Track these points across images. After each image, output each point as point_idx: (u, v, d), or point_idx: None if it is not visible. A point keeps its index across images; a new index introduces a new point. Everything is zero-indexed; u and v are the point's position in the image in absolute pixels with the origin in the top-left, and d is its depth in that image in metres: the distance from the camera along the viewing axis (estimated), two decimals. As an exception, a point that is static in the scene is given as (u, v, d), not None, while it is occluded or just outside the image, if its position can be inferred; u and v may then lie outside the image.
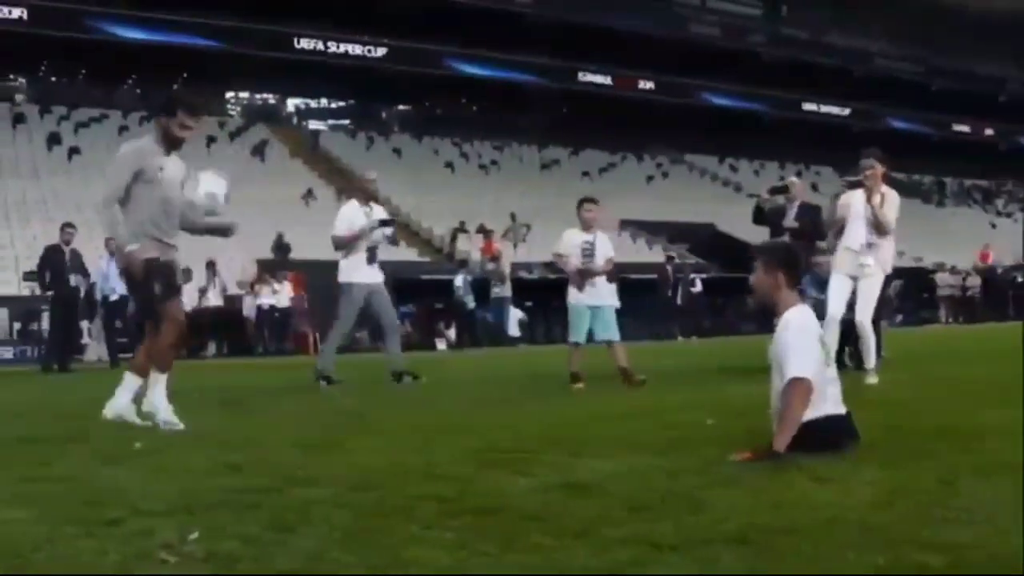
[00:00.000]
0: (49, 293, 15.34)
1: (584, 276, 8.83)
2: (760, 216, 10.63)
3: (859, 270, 8.02)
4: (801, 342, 3.99)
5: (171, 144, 5.92)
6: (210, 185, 6.23)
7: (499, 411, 6.63)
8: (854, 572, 2.26)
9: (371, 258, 9.75)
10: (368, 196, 10.05)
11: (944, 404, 5.93)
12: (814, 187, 32.90)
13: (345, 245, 9.69)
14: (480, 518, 2.93)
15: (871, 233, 8.03)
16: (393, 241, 10.18)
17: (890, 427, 4.73)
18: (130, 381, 5.90)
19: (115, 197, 5.79)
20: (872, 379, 7.82)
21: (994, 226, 46.84)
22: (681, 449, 4.22)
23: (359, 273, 9.71)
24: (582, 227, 9.01)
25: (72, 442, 5.15)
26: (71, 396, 9.70)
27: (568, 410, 6.58)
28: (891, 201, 8.07)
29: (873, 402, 6.01)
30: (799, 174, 43.11)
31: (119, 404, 5.85)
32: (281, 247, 26.20)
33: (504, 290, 22.23)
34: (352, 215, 9.78)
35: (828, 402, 4.03)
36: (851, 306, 8.11)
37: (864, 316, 7.98)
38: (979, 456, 3.74)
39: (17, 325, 22.29)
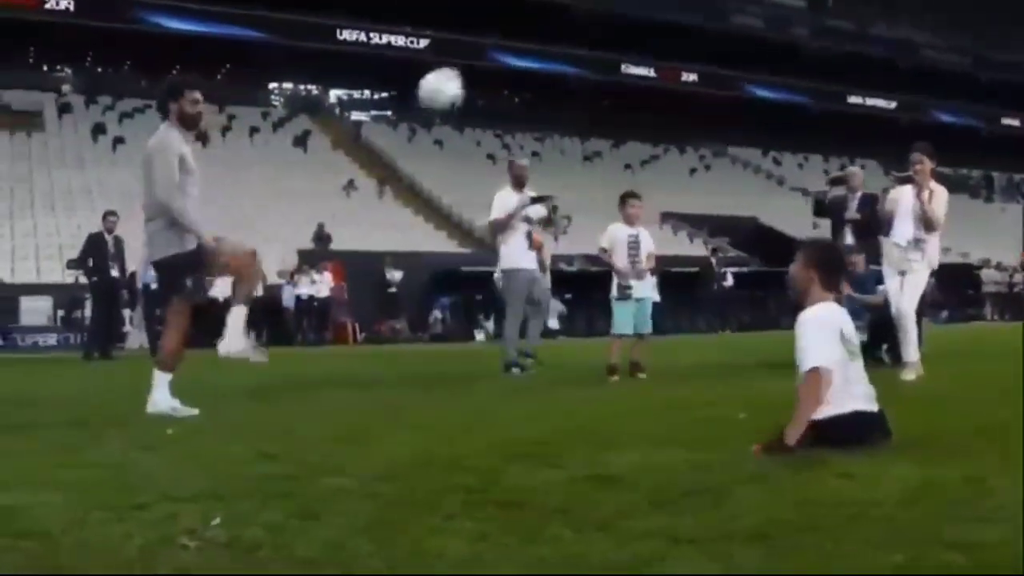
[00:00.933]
0: (93, 280, 15.54)
1: (629, 275, 8.89)
2: (821, 208, 10.56)
3: (906, 264, 7.95)
4: (815, 335, 3.99)
5: (191, 124, 6.08)
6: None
7: (531, 403, 6.64)
8: (873, 570, 2.24)
9: (530, 244, 9.74)
10: (520, 182, 9.87)
11: (980, 402, 5.85)
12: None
13: (502, 227, 9.69)
14: (504, 510, 2.93)
15: (919, 228, 7.95)
16: (550, 223, 10.10)
17: (922, 423, 4.67)
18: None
19: (176, 183, 5.85)
20: (910, 375, 7.74)
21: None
22: (711, 443, 4.21)
23: (524, 259, 9.71)
24: (625, 222, 9.03)
25: (109, 428, 5.23)
26: (111, 383, 9.84)
27: (601, 403, 6.58)
28: (940, 196, 8.00)
29: (907, 398, 5.94)
30: (842, 167, 42.72)
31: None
32: (321, 237, 26.38)
33: (544, 281, 22.19)
34: (506, 199, 9.73)
35: (856, 399, 4.00)
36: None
37: (907, 307, 7.91)
38: (1011, 455, 3.68)
39: (61, 312, 22.62)
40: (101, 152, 32.38)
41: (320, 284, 22.25)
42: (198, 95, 6.04)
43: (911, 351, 7.95)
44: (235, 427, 5.14)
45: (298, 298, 22.19)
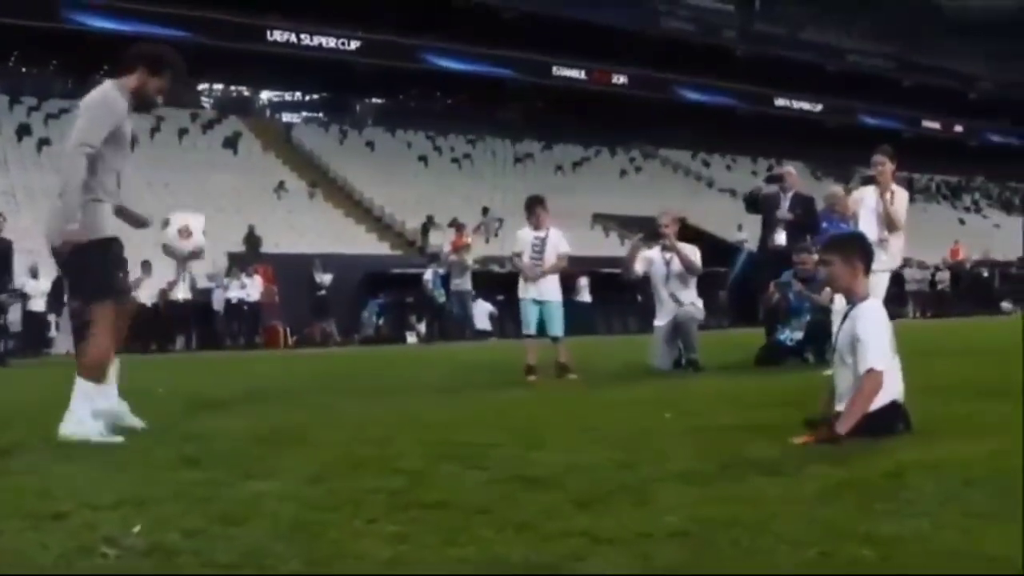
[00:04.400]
0: None
1: (530, 276, 9.19)
2: (754, 204, 10.66)
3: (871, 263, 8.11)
4: (880, 334, 4.17)
5: (143, 104, 5.11)
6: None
7: (459, 404, 6.67)
8: (787, 565, 2.29)
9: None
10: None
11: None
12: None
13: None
14: (427, 512, 2.94)
15: (882, 229, 8.12)
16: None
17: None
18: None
19: (91, 154, 4.83)
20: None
21: (962, 222, 47.24)
22: (636, 443, 4.26)
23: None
24: (531, 226, 9.31)
25: (33, 436, 5.11)
26: (35, 390, 9.64)
27: (530, 404, 6.61)
28: (900, 198, 8.23)
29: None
30: (770, 168, 43.37)
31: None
32: (252, 240, 26.08)
33: (464, 283, 22.16)
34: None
35: (894, 390, 4.20)
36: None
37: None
38: (928, 451, 3.77)
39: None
40: (25, 154, 31.66)
41: (250, 287, 22.01)
42: (168, 81, 5.12)
43: None
44: (160, 432, 5.06)
45: (228, 301, 21.92)
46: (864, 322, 4.19)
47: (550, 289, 9.29)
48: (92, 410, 4.85)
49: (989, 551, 2.34)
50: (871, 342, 4.13)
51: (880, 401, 4.10)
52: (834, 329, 4.55)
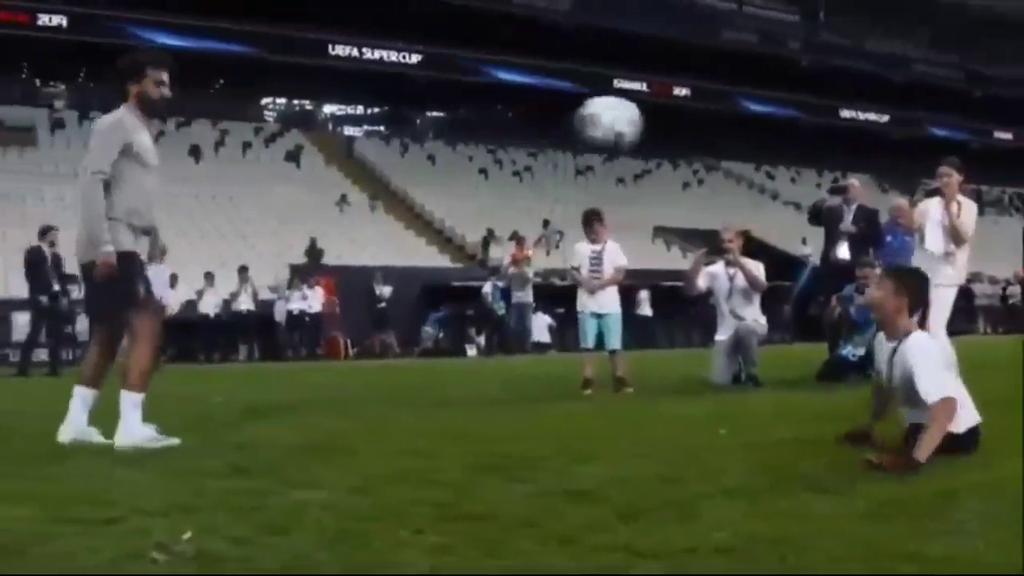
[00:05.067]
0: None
1: (589, 289, 9.18)
2: (817, 217, 10.52)
3: (936, 277, 7.95)
4: (936, 365, 4.12)
5: (152, 109, 5.30)
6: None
7: (511, 417, 6.66)
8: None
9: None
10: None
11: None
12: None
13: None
14: (471, 524, 2.95)
15: (948, 242, 7.97)
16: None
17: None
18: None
19: (104, 174, 4.98)
20: None
21: (1034, 235, 46.21)
22: (687, 458, 4.22)
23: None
24: (589, 239, 9.32)
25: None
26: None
27: (582, 417, 6.59)
28: (968, 210, 8.05)
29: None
30: (835, 180, 42.84)
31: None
32: (313, 252, 26.37)
33: (525, 295, 22.15)
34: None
35: (968, 415, 4.14)
36: None
37: (936, 325, 7.87)
38: (986, 471, 3.69)
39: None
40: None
41: (312, 299, 22.23)
42: (164, 75, 5.24)
43: None
44: (213, 441, 5.12)
45: (289, 313, 22.17)
46: (916, 355, 4.12)
47: (609, 302, 9.27)
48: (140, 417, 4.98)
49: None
50: (930, 372, 4.06)
51: (959, 427, 4.04)
52: (878, 358, 4.46)
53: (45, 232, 15.25)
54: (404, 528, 2.88)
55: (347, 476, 3.88)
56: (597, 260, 9.21)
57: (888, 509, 3.02)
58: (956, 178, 8.08)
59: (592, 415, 6.75)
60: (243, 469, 4.08)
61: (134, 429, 4.92)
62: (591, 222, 9.33)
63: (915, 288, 4.33)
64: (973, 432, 4.14)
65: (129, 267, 5.06)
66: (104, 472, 4.12)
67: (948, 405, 3.98)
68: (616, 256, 9.30)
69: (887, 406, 4.54)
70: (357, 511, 3.17)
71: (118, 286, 5.04)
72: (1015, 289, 31.09)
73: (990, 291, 30.28)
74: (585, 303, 9.24)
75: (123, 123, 5.11)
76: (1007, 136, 53.51)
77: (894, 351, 4.24)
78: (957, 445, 4.00)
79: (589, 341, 9.20)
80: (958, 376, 4.22)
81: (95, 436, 5.15)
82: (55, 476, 4.04)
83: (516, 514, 3.05)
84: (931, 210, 8.11)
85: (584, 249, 9.33)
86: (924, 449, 3.84)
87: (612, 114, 7.04)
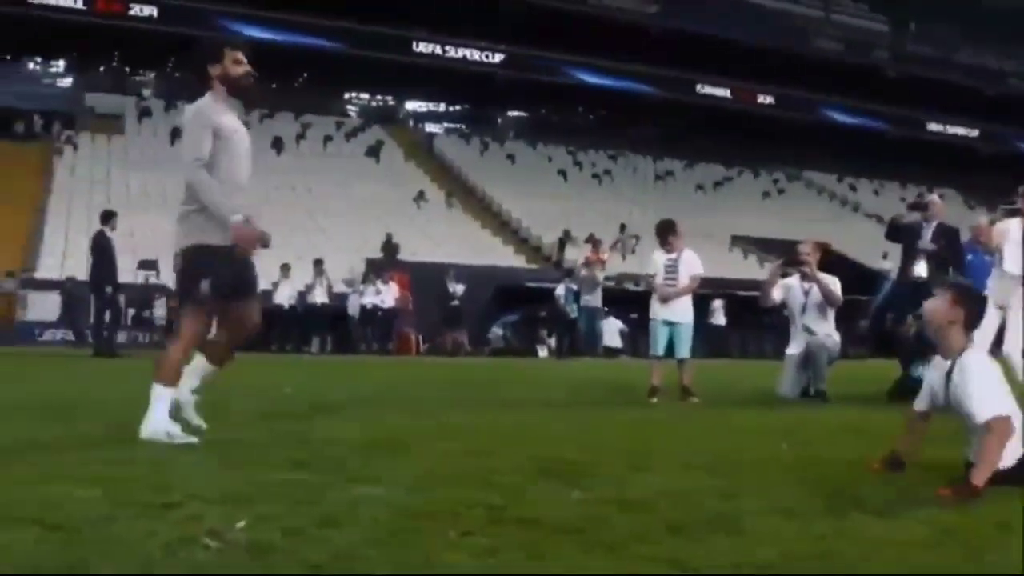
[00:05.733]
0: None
1: (662, 294, 9.18)
2: (895, 233, 10.34)
3: (1012, 299, 7.79)
4: (992, 382, 4.01)
5: (236, 90, 5.22)
6: None
7: (571, 421, 6.68)
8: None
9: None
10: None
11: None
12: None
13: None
14: (520, 528, 2.97)
15: None
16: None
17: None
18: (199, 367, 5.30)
19: (203, 160, 5.00)
20: None
21: None
22: (744, 472, 4.19)
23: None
24: (664, 250, 9.32)
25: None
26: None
27: (643, 425, 6.56)
28: None
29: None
30: (920, 195, 41.93)
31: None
32: (390, 247, 26.63)
33: (594, 299, 22.08)
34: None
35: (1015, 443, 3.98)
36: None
37: (1014, 348, 7.71)
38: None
39: (132, 311, 23.15)
40: (178, 156, 33.10)
41: (385, 294, 22.45)
42: (240, 54, 5.20)
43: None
44: (278, 433, 5.22)
45: (363, 307, 22.42)
46: (972, 374, 4.01)
47: (682, 311, 9.25)
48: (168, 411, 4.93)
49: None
50: (986, 389, 3.95)
51: (1007, 460, 3.88)
52: (931, 379, 4.34)
53: (108, 217, 15.55)
54: (454, 529, 2.91)
55: (405, 474, 3.93)
56: (672, 268, 9.20)
57: (945, 537, 2.97)
58: None
59: (654, 424, 6.72)
60: (303, 462, 4.15)
61: (158, 421, 4.84)
62: (664, 235, 9.33)
63: (973, 305, 4.23)
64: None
65: (200, 261, 5.01)
66: (168, 459, 4.23)
67: (1003, 425, 3.85)
68: (692, 265, 9.27)
69: (920, 435, 4.42)
70: (410, 509, 3.21)
71: (185, 277, 5.05)
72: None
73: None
74: (658, 311, 9.22)
75: (208, 108, 5.09)
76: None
77: (949, 372, 4.13)
78: (1007, 480, 3.81)
79: (659, 349, 9.19)
80: (1015, 401, 4.08)
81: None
82: (120, 460, 4.15)
83: (565, 520, 3.06)
84: (1011, 230, 7.94)
85: (660, 257, 9.32)
86: (980, 474, 3.74)
87: None
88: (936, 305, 4.20)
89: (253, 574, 2.43)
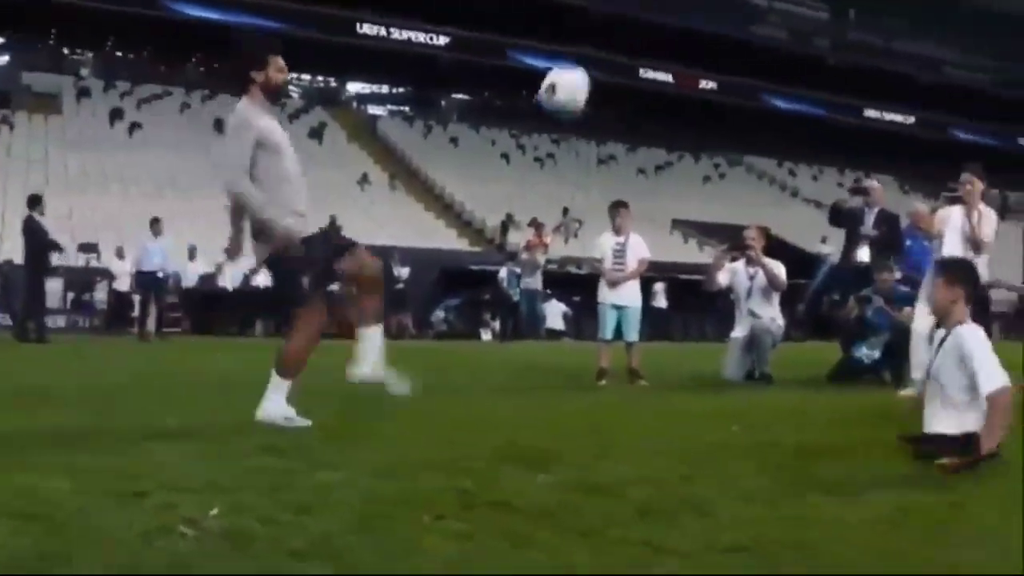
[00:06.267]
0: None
1: (610, 279, 9.25)
2: (838, 218, 10.51)
3: None
4: (991, 354, 4.18)
5: (274, 95, 5.25)
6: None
7: (528, 406, 6.73)
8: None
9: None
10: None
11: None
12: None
13: None
14: (493, 513, 3.01)
15: (967, 250, 7.98)
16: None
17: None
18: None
19: (244, 167, 4.97)
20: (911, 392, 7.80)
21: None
22: (702, 456, 4.28)
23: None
24: (614, 231, 9.37)
25: (121, 417, 5.30)
26: (128, 366, 9.94)
27: (599, 409, 6.65)
28: (988, 219, 8.05)
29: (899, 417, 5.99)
30: (857, 180, 42.62)
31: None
32: (333, 230, 26.39)
33: (534, 282, 22.15)
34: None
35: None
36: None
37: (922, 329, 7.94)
38: (994, 483, 3.74)
39: (71, 295, 22.77)
40: (117, 137, 32.55)
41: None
42: (282, 61, 5.23)
43: (917, 369, 7.95)
44: (240, 419, 5.20)
45: (307, 290, 22.23)
46: (972, 343, 4.19)
47: (630, 294, 9.35)
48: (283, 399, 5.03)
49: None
50: (986, 360, 4.13)
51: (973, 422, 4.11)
52: (922, 355, 4.52)
53: (35, 202, 15.09)
54: (427, 514, 2.95)
55: (370, 459, 3.95)
56: (620, 252, 9.28)
57: (903, 517, 3.08)
58: (978, 186, 8.08)
59: (607, 407, 6.80)
60: (268, 448, 4.15)
61: (274, 407, 4.98)
62: (617, 213, 9.40)
63: (967, 278, 4.41)
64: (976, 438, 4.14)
65: (293, 259, 5.05)
66: (134, 447, 4.20)
67: (1007, 396, 4.05)
68: (639, 249, 9.38)
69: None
70: (382, 495, 3.24)
71: (285, 280, 5.17)
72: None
73: (1007, 297, 30.16)
74: (606, 295, 9.31)
75: (249, 115, 5.08)
76: (1033, 142, 53.23)
77: (942, 341, 4.32)
78: (955, 448, 4.01)
79: (608, 332, 9.28)
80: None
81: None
82: (85, 449, 4.12)
83: (537, 504, 3.11)
84: (952, 217, 8.12)
85: (607, 241, 9.39)
86: (991, 439, 3.93)
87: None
88: (937, 292, 4.39)
89: (236, 562, 2.45)
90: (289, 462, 3.85)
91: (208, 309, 21.39)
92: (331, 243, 5.33)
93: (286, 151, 5.15)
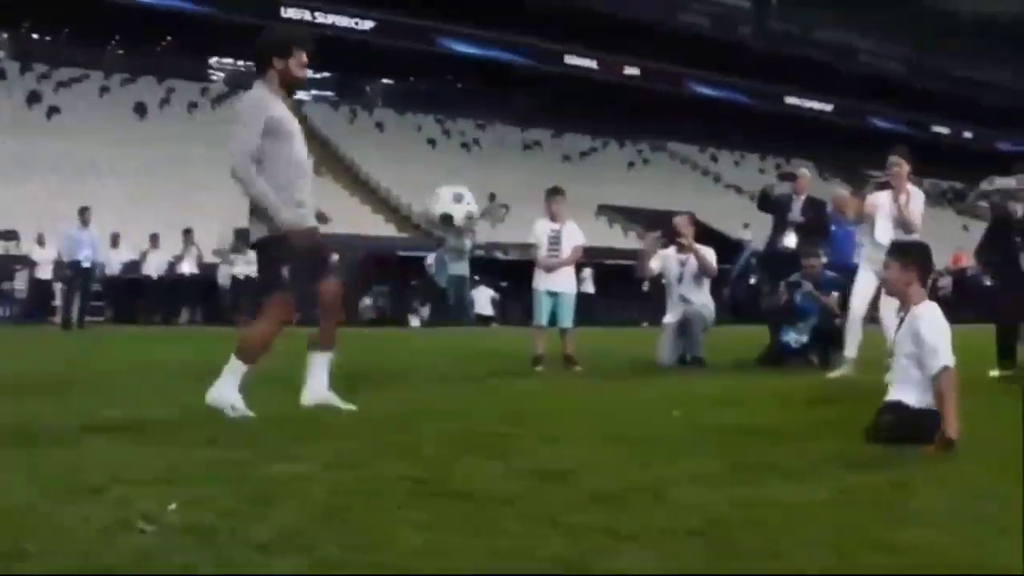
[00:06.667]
0: None
1: (546, 265, 9.31)
2: (766, 203, 10.68)
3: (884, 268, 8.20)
4: (944, 334, 4.33)
5: (292, 88, 5.27)
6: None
7: (472, 393, 6.76)
8: (806, 569, 2.38)
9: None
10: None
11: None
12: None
13: None
14: (453, 501, 3.03)
15: (898, 232, 8.18)
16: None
17: (856, 425, 4.86)
18: (319, 360, 5.35)
19: (251, 154, 4.99)
20: (844, 370, 8.03)
21: (966, 228, 47.20)
22: (649, 441, 4.35)
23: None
24: (549, 217, 9.39)
25: (55, 409, 5.21)
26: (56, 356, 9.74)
27: (539, 396, 6.70)
28: (917, 199, 8.28)
29: (839, 398, 6.15)
30: (778, 167, 43.40)
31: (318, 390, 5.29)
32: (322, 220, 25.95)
33: (461, 268, 22.16)
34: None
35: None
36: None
37: (887, 313, 8.17)
38: (934, 463, 3.87)
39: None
40: (35, 121, 31.71)
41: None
42: (305, 56, 5.20)
43: (851, 348, 8.19)
44: (185, 409, 5.14)
45: (234, 277, 21.95)
46: (926, 323, 4.35)
47: (565, 281, 9.43)
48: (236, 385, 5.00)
49: (998, 562, 2.44)
50: (939, 341, 4.29)
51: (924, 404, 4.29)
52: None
53: None
54: (388, 504, 2.97)
55: (323, 449, 3.94)
56: (556, 239, 9.33)
57: (849, 497, 3.17)
58: (906, 168, 8.31)
59: (547, 394, 6.86)
60: (216, 439, 4.12)
61: (226, 392, 4.95)
62: (553, 199, 9.43)
63: (920, 259, 4.55)
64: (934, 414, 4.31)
65: (276, 250, 5.06)
66: (76, 440, 4.13)
67: (954, 374, 4.21)
68: (575, 236, 9.43)
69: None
70: (340, 485, 3.23)
71: (267, 267, 5.15)
72: (946, 281, 31.85)
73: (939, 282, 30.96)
74: (541, 281, 9.36)
75: (262, 100, 5.09)
76: (944, 130, 54.66)
77: (902, 320, 4.49)
78: (923, 422, 4.20)
79: (543, 319, 9.33)
80: None
81: (335, 400, 5.25)
82: (31, 443, 4.04)
83: (495, 492, 3.14)
84: (880, 202, 8.32)
85: (543, 228, 9.42)
86: (951, 423, 4.08)
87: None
88: (891, 275, 4.54)
89: (201, 557, 2.43)
90: (239, 453, 3.81)
91: (131, 298, 21.00)
92: (318, 243, 5.32)
93: (296, 140, 5.16)
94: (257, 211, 5.07)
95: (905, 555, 2.47)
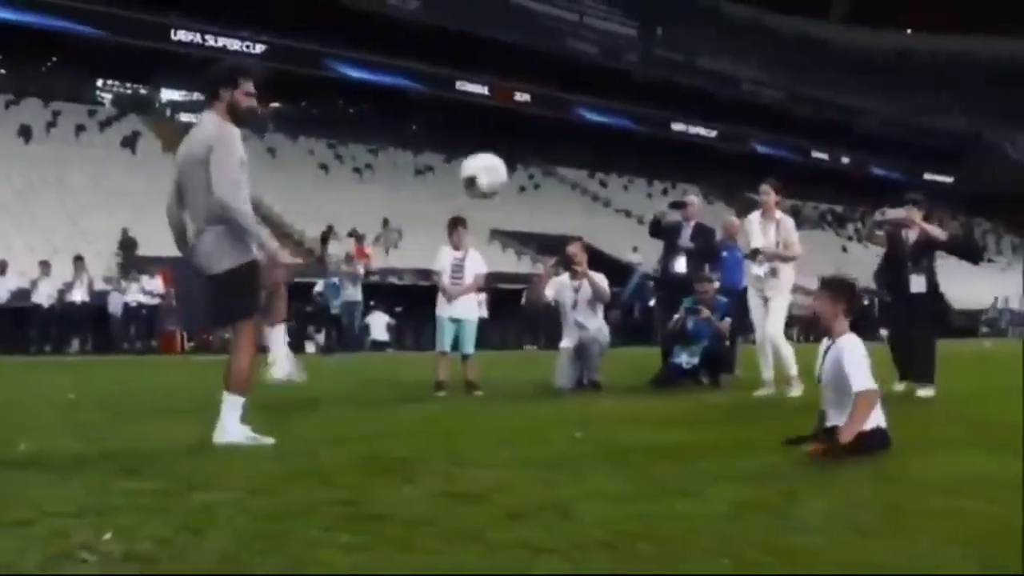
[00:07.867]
0: None
1: (450, 293, 9.46)
2: (657, 229, 11.07)
3: (767, 292, 8.76)
4: (864, 360, 4.74)
5: (240, 120, 5.31)
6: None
7: (380, 418, 6.91)
8: (706, 572, 2.64)
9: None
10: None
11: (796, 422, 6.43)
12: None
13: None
14: (376, 523, 3.19)
15: (773, 260, 8.79)
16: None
17: (744, 442, 5.19)
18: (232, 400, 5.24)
19: (237, 181, 5.12)
20: (796, 391, 8.53)
21: (845, 250, 49.01)
22: (556, 461, 4.57)
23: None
24: (452, 246, 9.58)
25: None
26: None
27: (444, 420, 6.87)
28: (787, 226, 8.88)
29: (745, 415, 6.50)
30: (665, 192, 44.47)
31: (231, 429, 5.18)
32: (127, 243, 25.33)
33: (355, 294, 22.21)
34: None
35: (876, 415, 4.76)
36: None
37: (775, 330, 8.70)
38: (823, 471, 4.22)
39: None
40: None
41: (153, 290, 21.70)
42: (251, 86, 5.29)
43: (792, 368, 8.65)
44: (88, 440, 5.18)
45: (126, 304, 21.56)
46: (848, 353, 4.76)
47: (467, 308, 9.63)
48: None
49: (876, 562, 2.75)
50: (857, 368, 4.70)
51: (869, 424, 4.67)
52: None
53: None
54: (314, 527, 3.12)
55: (240, 475, 4.05)
56: (459, 267, 9.52)
57: (744, 509, 3.45)
58: (774, 197, 8.94)
59: (454, 418, 7.02)
60: (134, 470, 4.19)
61: (231, 428, 5.08)
62: (455, 228, 9.62)
63: (847, 294, 4.98)
64: (880, 432, 4.75)
65: (254, 275, 5.20)
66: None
67: (871, 395, 4.65)
68: (477, 264, 9.65)
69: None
70: (264, 511, 3.36)
71: (245, 292, 5.20)
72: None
73: (803, 301, 32.04)
74: (444, 308, 9.51)
75: (233, 133, 5.19)
76: (823, 156, 56.74)
77: (827, 350, 4.90)
78: (866, 442, 4.59)
79: (446, 345, 9.50)
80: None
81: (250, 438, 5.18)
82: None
83: (414, 514, 3.31)
84: (753, 229, 8.93)
85: (446, 256, 9.59)
86: (847, 432, 4.52)
87: (472, 162, 7.76)
88: (821, 306, 4.95)
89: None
90: (158, 483, 3.90)
91: (19, 326, 20.44)
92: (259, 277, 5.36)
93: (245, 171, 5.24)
94: (227, 236, 5.13)
95: (793, 557, 2.75)
